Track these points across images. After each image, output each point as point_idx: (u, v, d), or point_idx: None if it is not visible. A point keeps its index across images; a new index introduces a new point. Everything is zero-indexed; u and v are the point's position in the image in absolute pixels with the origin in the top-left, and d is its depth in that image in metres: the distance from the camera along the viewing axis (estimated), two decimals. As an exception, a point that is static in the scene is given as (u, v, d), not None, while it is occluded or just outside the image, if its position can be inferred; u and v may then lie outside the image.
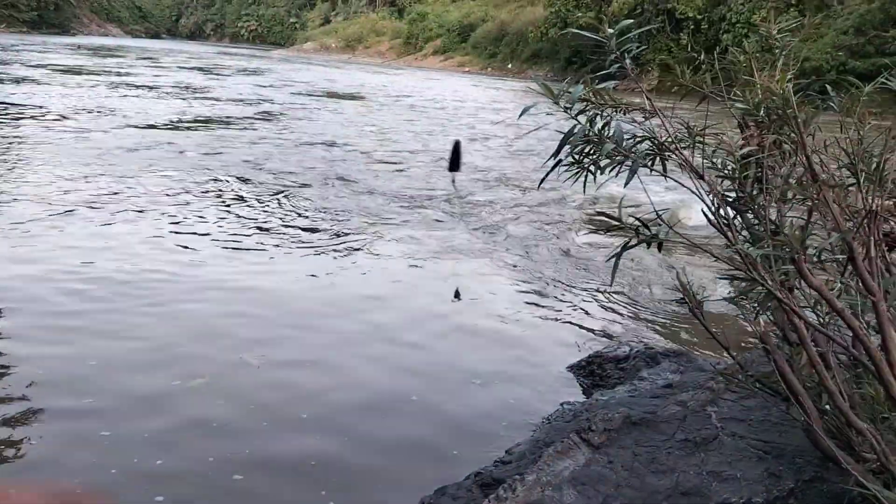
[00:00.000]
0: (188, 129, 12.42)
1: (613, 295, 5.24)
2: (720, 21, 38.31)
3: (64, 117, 12.28)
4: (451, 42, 61.05)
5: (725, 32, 36.95)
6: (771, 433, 2.25)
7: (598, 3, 44.59)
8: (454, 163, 2.57)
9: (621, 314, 4.90)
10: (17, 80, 18.45)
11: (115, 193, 7.19)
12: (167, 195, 7.32)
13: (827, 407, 1.98)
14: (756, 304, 2.10)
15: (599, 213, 1.66)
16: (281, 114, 16.02)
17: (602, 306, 5.02)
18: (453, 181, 2.81)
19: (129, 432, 2.98)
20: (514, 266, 5.87)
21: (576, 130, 1.60)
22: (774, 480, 2.02)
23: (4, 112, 12.43)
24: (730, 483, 2.03)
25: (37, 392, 3.25)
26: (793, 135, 1.57)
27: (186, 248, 5.62)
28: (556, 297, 5.13)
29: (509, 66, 51.03)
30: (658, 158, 1.91)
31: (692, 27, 39.14)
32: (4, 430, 2.92)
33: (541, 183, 1.74)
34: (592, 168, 1.91)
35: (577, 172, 1.94)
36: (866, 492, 1.47)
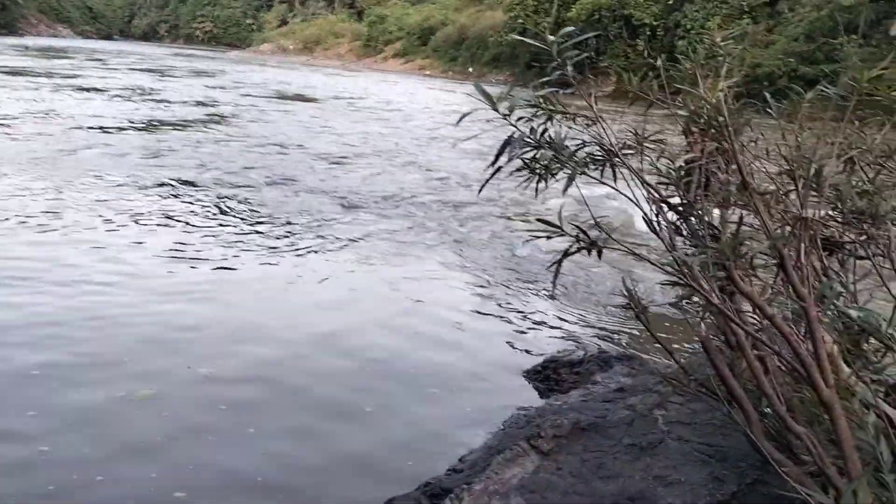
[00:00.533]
0: (134, 132, 12.13)
1: (568, 299, 5.27)
2: (675, 27, 39.04)
3: (4, 121, 11.91)
4: (411, 45, 61.06)
5: (681, 39, 37.67)
6: (715, 436, 2.28)
7: (557, 8, 45.06)
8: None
9: (576, 318, 4.93)
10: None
11: (55, 200, 6.97)
12: (109, 201, 7.12)
13: (767, 410, 2.00)
14: (698, 308, 2.13)
15: (539, 220, 1.66)
16: (232, 116, 15.78)
17: (557, 311, 5.04)
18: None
19: (69, 448, 2.88)
20: (466, 271, 5.86)
21: (514, 137, 1.60)
22: (718, 484, 2.04)
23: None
24: (674, 487, 2.04)
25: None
26: (726, 142, 1.59)
27: (129, 257, 5.46)
28: (511, 302, 5.14)
29: (470, 69, 51.23)
30: (603, 164, 1.92)
31: (648, 33, 39.80)
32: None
33: (481, 189, 1.73)
34: (543, 173, 1.91)
35: (527, 178, 1.93)
36: (802, 496, 1.49)
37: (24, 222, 6.08)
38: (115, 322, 4.20)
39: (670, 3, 39.60)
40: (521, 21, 45.32)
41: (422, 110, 21.94)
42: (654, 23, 40.09)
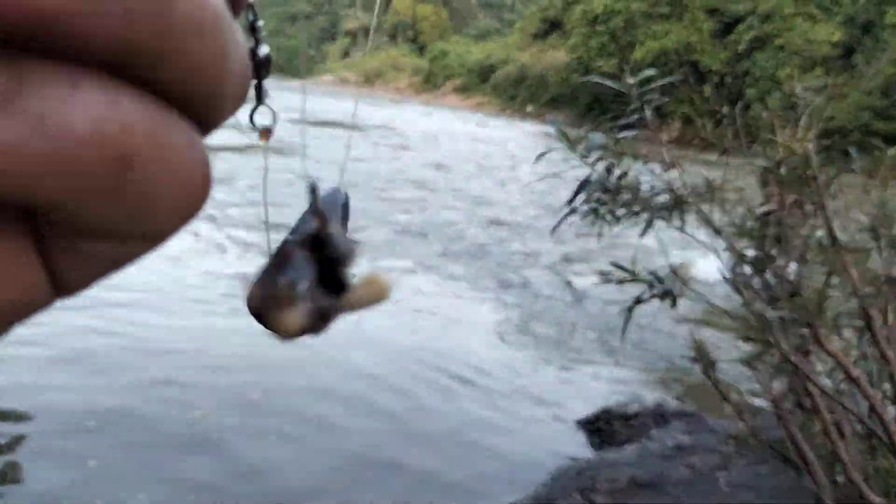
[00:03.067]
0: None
1: (625, 349, 5.16)
2: (744, 75, 38.59)
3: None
4: (471, 81, 61.77)
5: (749, 87, 37.21)
6: (781, 501, 2.17)
7: (621, 50, 45.12)
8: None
9: (633, 369, 4.81)
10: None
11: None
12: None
13: (839, 478, 1.90)
14: (770, 368, 2.04)
15: (613, 265, 1.62)
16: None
17: (613, 360, 4.93)
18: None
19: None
20: (523, 313, 5.80)
21: (592, 179, 1.57)
22: (784, 553, 1.93)
23: None
24: (737, 554, 1.94)
25: None
26: (813, 195, 1.53)
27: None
28: (566, 349, 5.06)
29: (528, 108, 51.48)
30: (675, 211, 1.87)
31: (716, 80, 39.42)
32: None
33: (554, 229, 1.71)
34: (608, 217, 1.87)
35: (594, 221, 1.90)
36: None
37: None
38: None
39: (739, 50, 39.23)
40: (584, 62, 45.49)
41: (482, 149, 22.06)
42: (723, 70, 39.71)
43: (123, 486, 2.79)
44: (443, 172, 14.35)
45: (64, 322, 4.02)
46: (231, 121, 0.19)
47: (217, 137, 0.19)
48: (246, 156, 12.08)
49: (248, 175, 9.95)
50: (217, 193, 8.82)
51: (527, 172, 16.17)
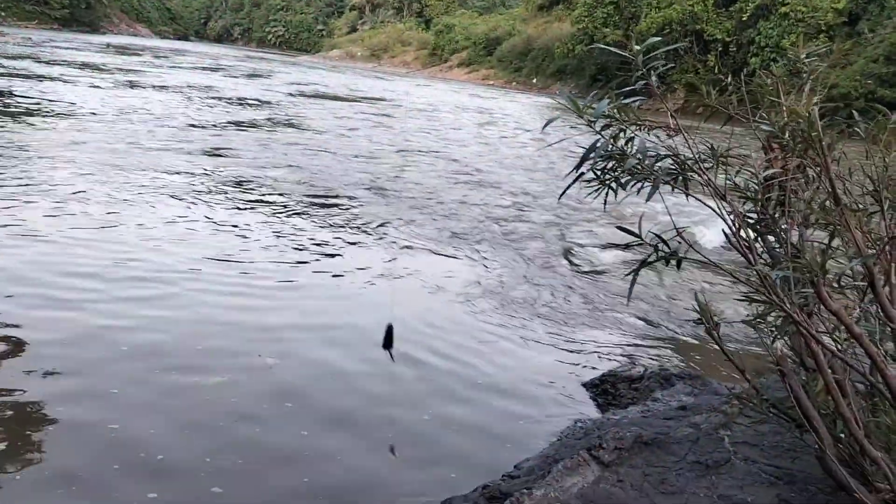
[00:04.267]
0: (201, 128, 12.54)
1: (629, 314, 5.21)
2: (749, 44, 38.15)
3: (90, 113, 12.46)
4: (476, 55, 61.25)
5: (754, 56, 36.79)
6: (784, 459, 2.23)
7: (626, 21, 44.61)
8: (388, 342, 2.66)
9: (637, 333, 4.87)
10: (46, 77, 18.73)
11: (143, 186, 7.27)
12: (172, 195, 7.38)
13: (841, 434, 1.95)
14: (774, 328, 2.09)
15: (619, 228, 1.66)
16: (295, 116, 16.13)
17: (618, 324, 4.99)
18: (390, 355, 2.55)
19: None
20: (530, 280, 5.85)
21: (599, 145, 1.61)
22: (786, 507, 1.99)
23: (37, 106, 12.63)
24: (740, 507, 2.00)
25: None
26: (817, 158, 1.56)
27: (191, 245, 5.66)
28: (571, 313, 5.11)
29: (534, 80, 51.09)
30: (680, 177, 1.91)
31: (720, 49, 38.98)
32: None
33: (561, 195, 1.74)
34: (613, 185, 1.91)
35: (598, 188, 1.94)
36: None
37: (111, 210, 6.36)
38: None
39: (744, 19, 38.74)
40: (590, 32, 45.03)
41: (490, 118, 21.98)
42: (727, 39, 39.25)
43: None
44: (445, 143, 14.34)
45: None
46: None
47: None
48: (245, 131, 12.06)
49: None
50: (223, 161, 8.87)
51: (529, 141, 16.14)
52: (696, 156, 1.91)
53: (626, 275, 1.73)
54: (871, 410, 1.97)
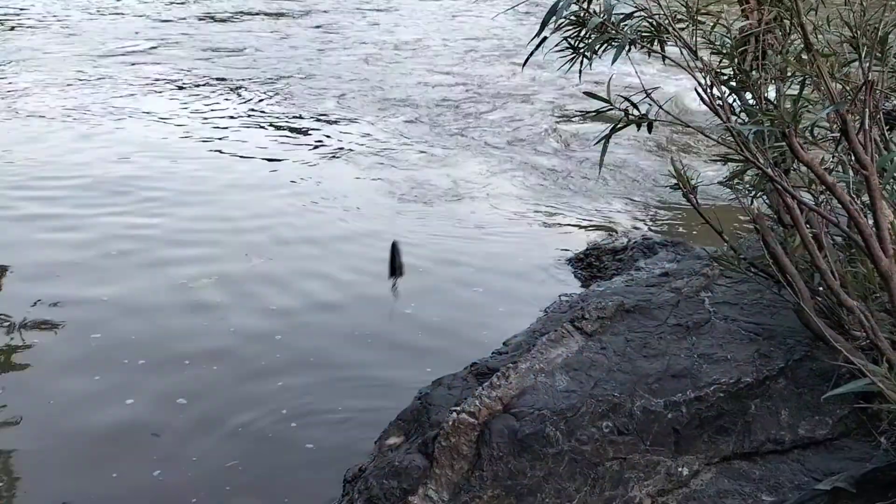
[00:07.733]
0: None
1: (610, 189, 5.18)
2: None
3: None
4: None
5: None
6: (763, 315, 2.27)
7: None
8: (394, 267, 2.45)
9: (619, 206, 4.86)
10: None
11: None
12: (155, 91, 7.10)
13: (819, 288, 1.98)
14: (750, 188, 2.07)
15: (587, 94, 1.60)
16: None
17: (599, 199, 4.97)
18: (394, 286, 2.36)
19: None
20: (507, 160, 5.75)
21: (560, 4, 1.51)
22: (765, 361, 2.04)
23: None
24: (720, 364, 2.05)
25: None
26: (789, 3, 1.48)
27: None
28: (551, 191, 5.08)
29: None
30: (655, 39, 1.82)
31: None
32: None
33: (524, 63, 1.67)
34: (588, 53, 1.83)
35: (571, 58, 1.85)
36: (854, 367, 1.48)
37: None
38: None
39: None
40: None
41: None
42: None
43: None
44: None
45: None
46: None
47: None
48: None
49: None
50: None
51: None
52: (668, 13, 1.81)
53: (596, 143, 1.68)
54: (848, 262, 1.98)
